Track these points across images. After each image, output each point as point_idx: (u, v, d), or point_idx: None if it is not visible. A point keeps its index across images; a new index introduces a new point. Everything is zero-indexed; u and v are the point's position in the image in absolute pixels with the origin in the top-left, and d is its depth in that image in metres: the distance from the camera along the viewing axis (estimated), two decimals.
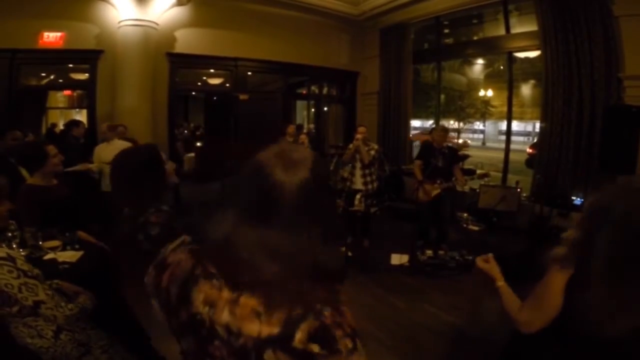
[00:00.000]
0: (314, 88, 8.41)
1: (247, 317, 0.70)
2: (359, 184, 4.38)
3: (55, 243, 1.97)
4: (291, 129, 5.11)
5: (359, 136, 4.29)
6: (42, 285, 1.32)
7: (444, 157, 4.11)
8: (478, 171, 5.22)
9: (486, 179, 4.37)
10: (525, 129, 18.73)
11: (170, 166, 1.58)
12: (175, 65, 6.10)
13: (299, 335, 0.69)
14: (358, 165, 4.37)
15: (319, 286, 0.73)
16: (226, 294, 0.73)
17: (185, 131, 10.65)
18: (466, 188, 4.89)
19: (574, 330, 1.04)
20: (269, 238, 0.69)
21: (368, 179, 4.37)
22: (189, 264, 0.79)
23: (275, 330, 0.69)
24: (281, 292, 0.70)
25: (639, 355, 0.97)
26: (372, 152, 4.33)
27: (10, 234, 1.89)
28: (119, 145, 3.58)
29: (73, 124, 4.98)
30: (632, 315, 0.95)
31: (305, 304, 0.70)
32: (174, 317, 0.80)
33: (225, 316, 0.72)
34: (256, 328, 0.70)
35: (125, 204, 1.45)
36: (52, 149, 2.23)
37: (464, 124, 17.02)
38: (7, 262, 1.25)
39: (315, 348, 0.70)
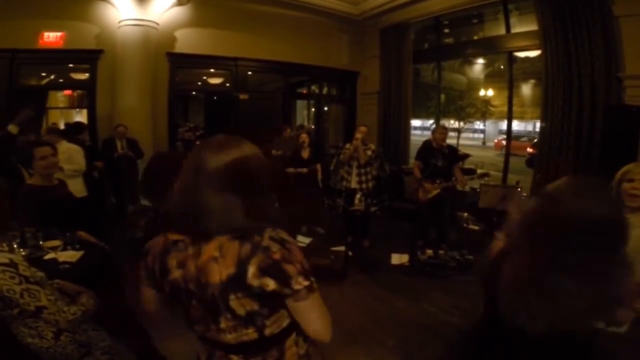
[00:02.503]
0: (314, 88, 8.42)
1: (208, 265, 0.83)
2: (353, 183, 4.39)
3: (55, 243, 1.97)
4: (287, 132, 5.14)
5: (358, 135, 4.30)
6: (44, 291, 1.32)
7: (443, 156, 4.11)
8: (479, 170, 5.22)
9: (486, 178, 4.37)
10: (526, 128, 18.73)
11: None
12: (175, 65, 6.09)
13: (251, 270, 0.82)
14: (355, 164, 4.38)
15: (267, 229, 0.86)
16: (190, 250, 0.87)
17: (189, 132, 10.66)
18: (466, 188, 4.88)
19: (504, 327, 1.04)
20: (207, 199, 0.84)
21: (363, 178, 4.38)
22: (162, 240, 0.93)
23: (231, 270, 0.82)
24: (229, 235, 0.84)
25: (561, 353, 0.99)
26: (369, 153, 4.33)
27: (10, 234, 1.89)
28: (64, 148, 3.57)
29: (78, 129, 4.96)
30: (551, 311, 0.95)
31: (253, 243, 0.83)
32: (162, 292, 0.93)
33: (192, 270, 0.86)
34: (217, 272, 0.83)
35: (147, 195, 1.61)
36: (43, 151, 2.16)
37: (464, 123, 17.02)
38: (9, 269, 1.25)
39: (271, 283, 0.83)
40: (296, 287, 0.84)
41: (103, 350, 1.56)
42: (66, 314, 1.36)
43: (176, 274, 0.88)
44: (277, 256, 0.83)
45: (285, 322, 0.92)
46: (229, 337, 0.88)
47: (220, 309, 0.85)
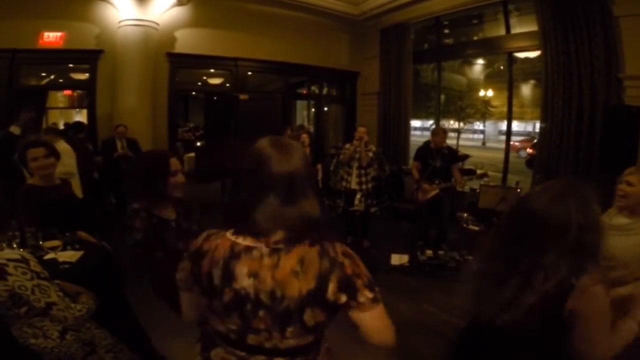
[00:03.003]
0: (314, 88, 8.42)
1: (287, 278, 0.81)
2: (353, 183, 4.39)
3: (55, 243, 1.97)
4: (287, 132, 5.14)
5: (357, 135, 4.30)
6: (53, 287, 1.32)
7: (442, 157, 4.10)
8: (478, 171, 5.21)
9: (485, 179, 4.37)
10: (526, 129, 18.74)
11: (179, 179, 1.63)
12: (175, 65, 6.09)
13: (331, 287, 0.82)
14: (355, 165, 4.38)
15: (336, 242, 0.87)
16: (267, 260, 0.83)
17: (189, 132, 10.68)
18: (466, 188, 4.88)
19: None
20: (282, 210, 0.83)
21: (363, 179, 4.38)
22: (227, 244, 0.87)
23: (312, 285, 0.81)
24: (310, 248, 0.83)
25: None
26: (370, 154, 4.34)
27: (10, 234, 1.89)
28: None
29: (77, 128, 4.96)
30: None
31: (330, 258, 0.83)
32: (217, 300, 0.87)
33: (269, 282, 0.82)
34: (296, 287, 0.81)
35: (128, 193, 1.61)
36: (34, 152, 2.14)
37: (464, 124, 17.00)
38: (21, 264, 1.25)
39: (343, 298, 0.84)
40: (362, 299, 0.85)
41: (107, 349, 1.56)
42: (74, 310, 1.38)
43: (245, 282, 0.83)
44: (349, 271, 0.84)
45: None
46: (290, 343, 0.87)
47: (293, 321, 0.83)
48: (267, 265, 0.82)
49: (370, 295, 0.86)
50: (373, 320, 0.89)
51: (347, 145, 4.48)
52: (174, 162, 1.61)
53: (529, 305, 0.98)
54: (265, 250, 0.84)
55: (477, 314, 1.12)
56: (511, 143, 6.80)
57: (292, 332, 0.85)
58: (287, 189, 0.83)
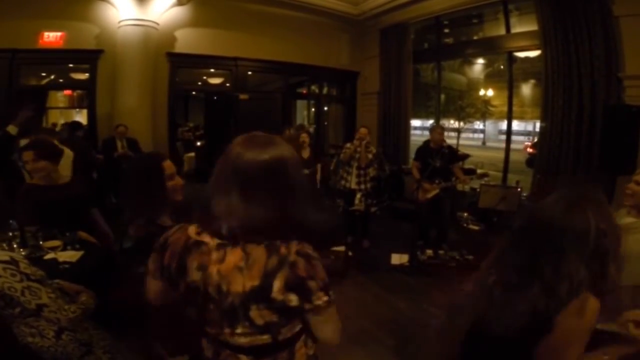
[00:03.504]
0: (314, 88, 8.41)
1: (232, 273, 0.81)
2: (353, 183, 4.41)
3: (55, 243, 1.97)
4: (288, 132, 5.14)
5: (358, 135, 4.32)
6: (45, 289, 1.32)
7: (442, 157, 4.11)
8: (478, 171, 5.22)
9: (486, 178, 4.37)
10: (526, 128, 18.74)
11: (176, 182, 1.54)
12: (175, 65, 6.10)
13: (277, 285, 0.80)
14: (355, 164, 4.39)
15: (293, 241, 0.84)
16: (214, 255, 0.84)
17: (189, 132, 10.67)
18: (466, 188, 4.89)
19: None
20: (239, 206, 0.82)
21: (362, 179, 4.41)
22: (183, 238, 0.89)
23: (256, 282, 0.80)
24: (257, 245, 0.82)
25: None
26: (370, 156, 4.36)
27: (10, 234, 1.89)
28: None
29: (75, 127, 4.97)
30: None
31: (280, 256, 0.81)
32: (175, 290, 0.90)
33: (215, 276, 0.83)
34: (240, 282, 0.80)
35: (126, 207, 1.50)
36: (25, 155, 2.15)
37: (464, 123, 17.00)
38: (10, 266, 1.25)
39: (294, 299, 0.82)
40: (316, 302, 0.84)
41: (104, 349, 1.56)
42: (67, 312, 1.36)
43: (195, 276, 0.85)
44: (302, 273, 0.81)
45: (298, 327, 0.92)
46: (242, 341, 0.87)
47: (239, 318, 0.83)
48: (214, 259, 0.83)
49: (325, 298, 0.85)
50: (324, 322, 0.90)
51: (348, 145, 4.49)
52: (168, 165, 1.53)
53: (551, 315, 0.95)
54: (212, 244, 0.85)
55: (482, 322, 1.09)
56: (524, 144, 6.79)
57: (242, 329, 0.85)
58: (248, 185, 0.81)
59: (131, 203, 1.46)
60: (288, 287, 0.80)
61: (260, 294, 0.80)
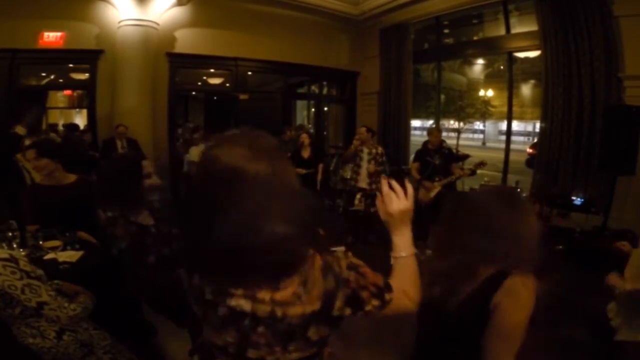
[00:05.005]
0: (314, 88, 8.41)
1: (289, 302, 0.74)
2: (363, 183, 4.39)
3: (55, 243, 1.97)
4: (288, 133, 5.17)
5: (357, 136, 4.35)
6: (45, 287, 1.32)
7: (441, 156, 4.13)
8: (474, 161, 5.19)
9: (482, 166, 4.34)
10: (526, 129, 18.73)
11: (152, 181, 1.60)
12: (175, 65, 6.10)
13: (338, 304, 0.77)
14: (364, 165, 4.39)
15: (340, 253, 0.81)
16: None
17: (189, 132, 10.65)
18: (466, 188, 4.89)
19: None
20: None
21: (374, 179, 4.39)
22: None
23: (317, 306, 0.75)
24: (312, 269, 0.77)
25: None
26: (372, 169, 4.34)
27: (10, 234, 1.89)
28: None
29: (72, 128, 4.98)
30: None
31: (335, 275, 0.77)
32: (211, 313, 0.81)
33: (267, 301, 0.75)
34: (300, 308, 0.75)
35: (103, 205, 1.52)
36: (28, 154, 2.17)
37: (464, 124, 16.99)
38: (10, 264, 1.25)
39: (348, 311, 0.79)
40: (368, 308, 0.81)
41: (105, 350, 1.56)
42: (67, 310, 1.36)
43: (241, 301, 0.76)
44: (354, 285, 0.79)
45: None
46: (292, 356, 0.81)
47: (295, 338, 0.78)
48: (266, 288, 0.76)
49: (377, 303, 0.82)
50: (388, 315, 0.86)
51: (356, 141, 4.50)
52: (146, 165, 1.59)
53: (467, 292, 1.06)
54: None
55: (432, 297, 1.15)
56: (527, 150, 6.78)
57: (295, 346, 0.79)
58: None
59: (105, 197, 1.51)
60: (346, 303, 0.79)
61: (322, 315, 0.77)
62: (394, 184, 0.95)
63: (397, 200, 0.95)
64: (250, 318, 0.76)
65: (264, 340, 0.78)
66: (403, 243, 0.96)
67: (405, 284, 0.90)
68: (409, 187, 0.96)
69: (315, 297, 0.75)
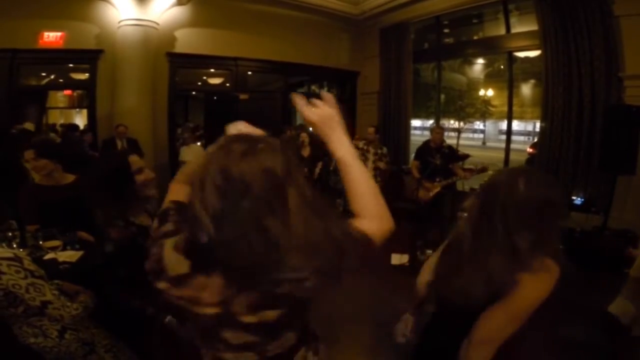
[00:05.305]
0: (314, 88, 8.41)
1: None
2: None
3: (55, 243, 1.96)
4: (288, 132, 5.16)
5: (356, 136, 4.36)
6: (48, 285, 1.32)
7: (442, 156, 4.13)
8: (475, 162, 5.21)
9: (484, 172, 4.35)
10: (526, 128, 18.72)
11: (146, 176, 1.53)
12: (175, 65, 6.09)
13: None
14: (370, 165, 4.42)
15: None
16: None
17: (189, 132, 10.66)
18: (466, 188, 4.89)
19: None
20: None
21: (378, 178, 4.41)
22: None
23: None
24: None
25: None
26: (371, 172, 4.38)
27: (10, 234, 1.89)
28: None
29: (72, 129, 4.99)
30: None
31: None
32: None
33: None
34: None
35: (95, 206, 1.49)
36: (27, 154, 2.14)
37: (464, 123, 16.99)
38: (14, 263, 1.25)
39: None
40: None
41: (106, 348, 1.56)
42: (70, 309, 1.37)
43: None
44: None
45: (292, 342, 0.87)
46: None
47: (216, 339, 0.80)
48: None
49: None
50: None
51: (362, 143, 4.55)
52: (135, 160, 1.53)
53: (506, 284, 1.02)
54: None
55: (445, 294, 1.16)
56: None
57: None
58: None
59: (101, 204, 1.45)
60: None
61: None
62: (313, 100, 0.92)
63: (316, 109, 0.93)
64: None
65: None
66: (337, 146, 0.94)
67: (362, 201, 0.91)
68: (326, 95, 0.94)
69: None
